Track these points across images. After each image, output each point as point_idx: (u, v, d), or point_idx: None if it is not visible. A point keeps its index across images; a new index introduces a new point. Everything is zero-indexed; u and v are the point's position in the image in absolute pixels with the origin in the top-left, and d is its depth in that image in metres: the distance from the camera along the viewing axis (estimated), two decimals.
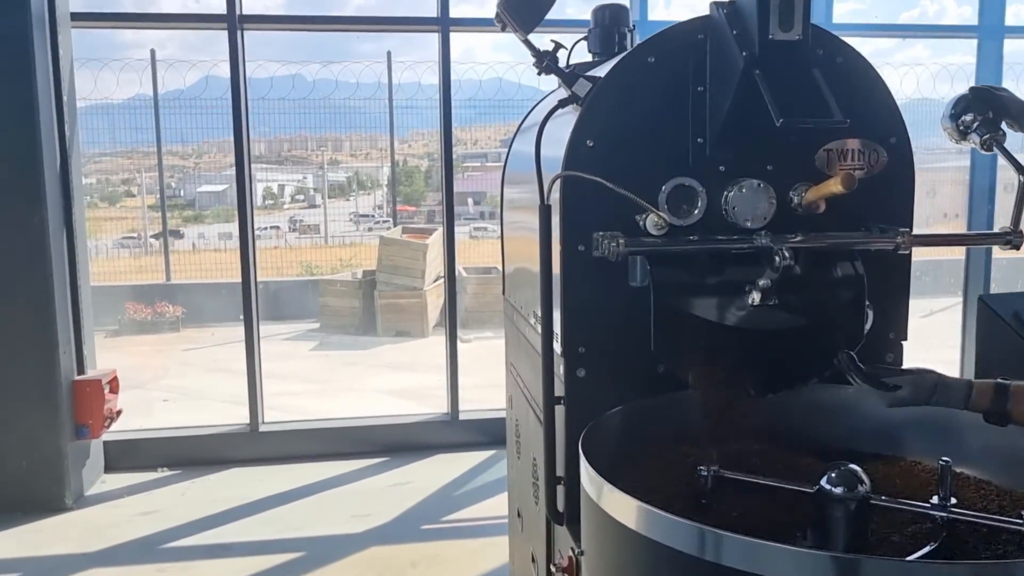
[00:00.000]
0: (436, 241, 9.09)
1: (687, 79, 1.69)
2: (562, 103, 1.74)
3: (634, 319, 1.70)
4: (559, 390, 1.76)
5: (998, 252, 1.77)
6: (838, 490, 1.31)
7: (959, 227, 4.76)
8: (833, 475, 1.33)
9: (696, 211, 1.70)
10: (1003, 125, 1.75)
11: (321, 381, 7.63)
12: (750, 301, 1.64)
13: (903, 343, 1.83)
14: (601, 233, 1.66)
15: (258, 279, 4.85)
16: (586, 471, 1.37)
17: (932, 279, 9.03)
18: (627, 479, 1.48)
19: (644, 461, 1.56)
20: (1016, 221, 1.69)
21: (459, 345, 5.05)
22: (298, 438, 4.91)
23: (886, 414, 1.69)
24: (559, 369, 1.77)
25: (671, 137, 1.71)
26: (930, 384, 1.47)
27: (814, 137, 1.73)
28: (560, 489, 1.76)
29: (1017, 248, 1.69)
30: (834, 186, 1.56)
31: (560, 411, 1.76)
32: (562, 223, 1.71)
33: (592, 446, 1.44)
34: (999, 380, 1.39)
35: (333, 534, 3.81)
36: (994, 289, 5.17)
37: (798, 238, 1.63)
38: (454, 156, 4.85)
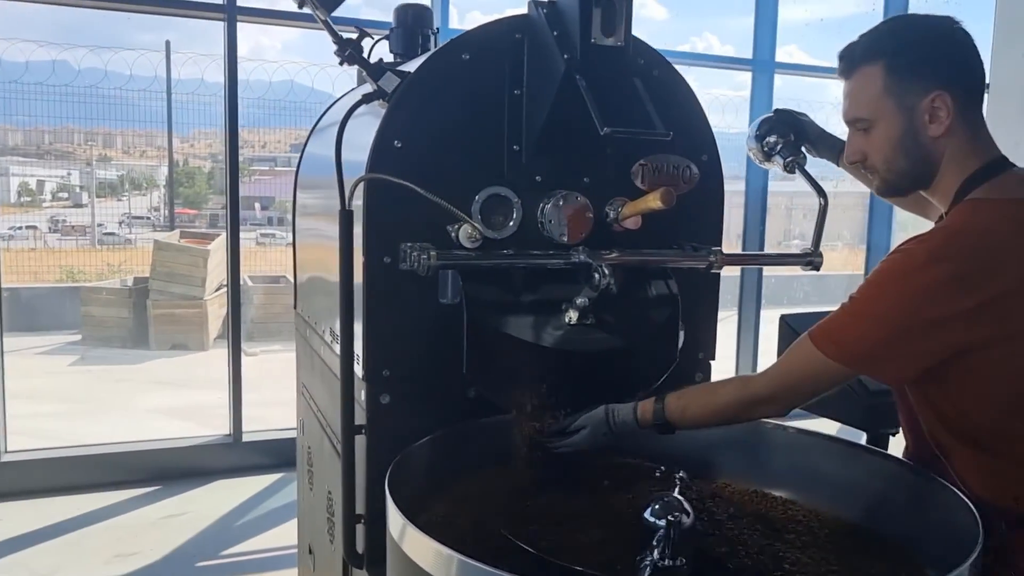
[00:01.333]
0: (219, 247, 8.48)
1: (503, 81, 1.57)
2: (366, 98, 1.57)
3: (443, 340, 1.56)
4: (360, 418, 1.57)
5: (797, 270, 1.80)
6: (661, 522, 1.24)
7: (737, 246, 5.08)
8: (656, 506, 1.26)
9: (511, 223, 1.59)
10: (803, 148, 1.79)
11: (81, 400, 6.82)
12: (567, 320, 1.55)
13: (711, 362, 1.82)
14: (409, 244, 1.50)
15: (3, 284, 4.20)
16: (393, 511, 1.20)
17: None
18: (440, 518, 1.33)
19: (460, 495, 1.41)
20: (816, 243, 1.73)
21: (243, 359, 4.66)
22: (50, 468, 4.29)
23: (697, 438, 1.66)
24: (360, 395, 1.59)
25: (486, 143, 1.59)
26: (601, 418, 1.46)
27: (630, 150, 1.67)
28: (360, 528, 1.57)
29: (817, 268, 1.73)
30: (652, 202, 1.50)
31: (361, 441, 1.58)
32: (365, 232, 1.53)
33: (399, 481, 1.28)
34: (655, 400, 1.42)
35: None
36: (766, 303, 5.58)
37: (614, 254, 1.56)
38: (241, 159, 4.49)
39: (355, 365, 1.57)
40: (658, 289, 1.66)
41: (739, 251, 4.06)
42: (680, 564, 1.17)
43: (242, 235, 4.61)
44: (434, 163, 1.55)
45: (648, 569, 1.15)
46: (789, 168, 1.77)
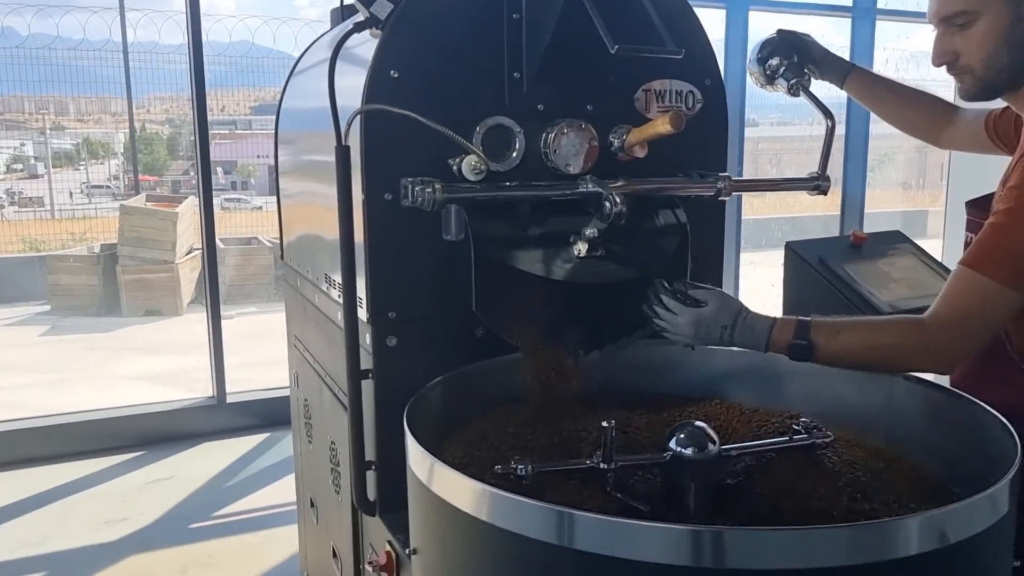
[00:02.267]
0: (187, 210, 8.29)
1: (502, 4, 1.50)
2: (358, 27, 1.49)
3: (449, 278, 1.51)
4: (366, 363, 1.52)
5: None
6: (688, 451, 1.22)
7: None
8: (682, 436, 1.23)
9: (514, 154, 1.53)
10: (807, 71, 1.75)
11: (57, 370, 6.68)
12: (576, 253, 1.50)
13: None
14: (411, 179, 1.44)
15: None
16: (417, 451, 1.16)
17: None
18: (460, 459, 1.30)
19: (477, 437, 1.37)
20: (823, 167, 1.69)
21: (222, 322, 4.58)
22: (31, 438, 4.20)
23: (709, 367, 1.64)
24: (365, 339, 1.53)
25: (485, 71, 1.52)
26: (734, 310, 1.35)
27: (633, 76, 1.62)
28: (371, 475, 1.53)
29: (824, 193, 1.69)
30: (661, 126, 1.45)
31: (367, 387, 1.53)
32: (364, 168, 1.46)
33: (417, 422, 1.23)
34: (799, 317, 1.35)
35: (81, 546, 3.28)
36: (744, 246, 5.57)
37: (621, 183, 1.51)
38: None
39: (359, 309, 1.52)
40: (666, 218, 1.61)
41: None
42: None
43: None
44: (432, 93, 1.48)
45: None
46: (793, 91, 1.73)
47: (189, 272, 8.35)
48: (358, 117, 1.43)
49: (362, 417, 1.50)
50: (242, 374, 4.97)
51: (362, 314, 1.52)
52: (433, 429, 1.36)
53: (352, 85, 1.49)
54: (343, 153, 1.43)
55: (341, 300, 1.48)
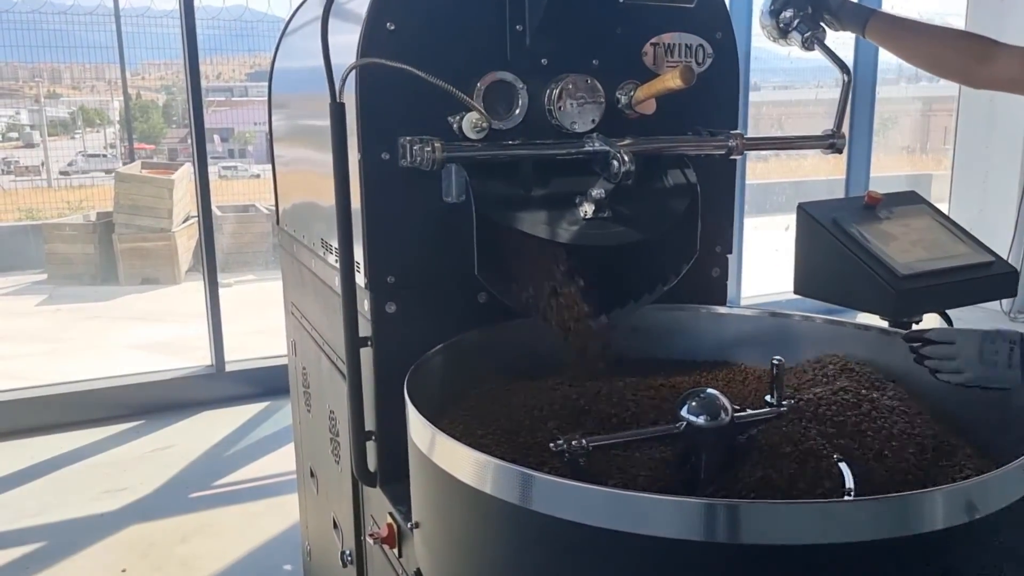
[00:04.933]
0: (183, 177, 8.19)
1: None
2: None
3: (450, 242, 1.45)
4: (364, 330, 1.47)
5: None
6: (700, 420, 1.17)
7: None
8: (693, 404, 1.18)
9: (517, 111, 1.46)
10: (823, 23, 1.67)
11: (54, 340, 6.64)
12: (582, 214, 1.44)
13: (728, 256, 1.73)
14: (410, 138, 1.37)
15: None
16: (418, 420, 1.11)
17: None
18: (461, 429, 1.25)
19: (486, 407, 1.32)
20: (839, 123, 1.62)
21: (220, 290, 4.52)
22: (29, 408, 4.17)
23: (719, 333, 1.59)
24: (363, 305, 1.48)
25: (486, 23, 1.44)
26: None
27: (641, 29, 1.54)
28: (371, 446, 1.48)
29: (840, 151, 1.62)
30: (671, 81, 1.38)
31: (366, 354, 1.48)
32: (360, 126, 1.39)
33: (417, 391, 1.18)
34: None
35: (81, 516, 3.26)
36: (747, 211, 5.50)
37: (629, 141, 1.44)
38: None
39: (356, 274, 1.46)
40: (675, 178, 1.55)
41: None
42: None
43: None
44: (431, 47, 1.41)
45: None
46: (808, 45, 1.65)
47: (187, 240, 8.27)
48: (353, 73, 1.36)
49: (361, 386, 1.45)
50: (240, 342, 4.92)
51: (360, 279, 1.46)
52: (437, 398, 1.31)
53: (346, 41, 1.42)
54: (337, 111, 1.36)
55: (338, 265, 1.42)
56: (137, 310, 7.52)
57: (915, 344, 1.27)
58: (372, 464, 1.49)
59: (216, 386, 4.50)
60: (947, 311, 1.70)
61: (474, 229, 1.37)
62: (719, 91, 1.64)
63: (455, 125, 1.41)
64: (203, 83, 4.36)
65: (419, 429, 1.10)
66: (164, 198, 8.02)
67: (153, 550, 2.99)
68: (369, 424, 1.46)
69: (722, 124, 1.61)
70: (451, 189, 1.45)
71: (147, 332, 6.62)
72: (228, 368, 4.53)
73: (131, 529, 3.15)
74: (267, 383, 4.45)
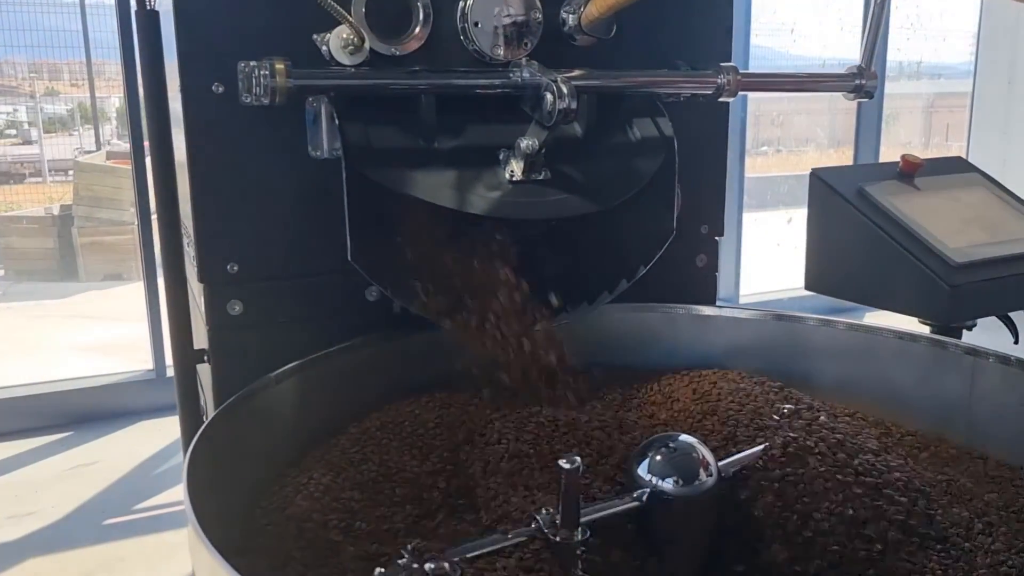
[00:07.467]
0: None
1: None
2: None
3: (322, 215, 1.02)
4: (200, 341, 1.04)
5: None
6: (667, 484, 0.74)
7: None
8: (657, 459, 0.75)
9: (415, 29, 1.02)
10: None
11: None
12: (507, 175, 1.01)
13: (718, 239, 1.29)
14: (253, 63, 0.93)
15: None
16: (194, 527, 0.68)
17: None
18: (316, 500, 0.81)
19: (352, 455, 0.89)
20: (868, 59, 1.19)
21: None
22: None
23: (706, 342, 1.16)
24: (199, 304, 1.05)
25: None
26: None
27: None
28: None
29: (870, 96, 1.19)
30: None
31: (205, 372, 1.05)
32: (180, 44, 0.96)
33: (230, 458, 0.75)
34: None
35: None
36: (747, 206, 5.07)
37: (576, 73, 1.01)
38: None
39: (186, 262, 1.03)
40: (644, 130, 1.11)
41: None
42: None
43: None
44: None
45: None
46: None
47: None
48: None
49: (200, 418, 1.02)
50: None
51: (190, 269, 1.03)
52: (287, 442, 0.88)
53: None
54: (148, 21, 0.93)
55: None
56: (95, 309, 7.06)
57: None
58: None
59: (155, 393, 4.05)
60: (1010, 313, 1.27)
61: (344, 195, 0.94)
62: (706, 18, 1.20)
63: (322, 45, 0.97)
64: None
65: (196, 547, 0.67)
66: (127, 189, 7.57)
67: None
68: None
69: (709, 57, 1.18)
70: (320, 139, 1.01)
71: (101, 332, 6.16)
72: (169, 373, 4.08)
73: (29, 563, 2.71)
74: None
